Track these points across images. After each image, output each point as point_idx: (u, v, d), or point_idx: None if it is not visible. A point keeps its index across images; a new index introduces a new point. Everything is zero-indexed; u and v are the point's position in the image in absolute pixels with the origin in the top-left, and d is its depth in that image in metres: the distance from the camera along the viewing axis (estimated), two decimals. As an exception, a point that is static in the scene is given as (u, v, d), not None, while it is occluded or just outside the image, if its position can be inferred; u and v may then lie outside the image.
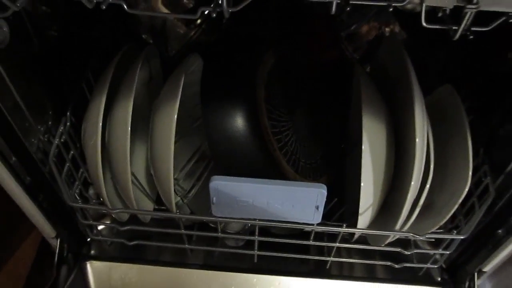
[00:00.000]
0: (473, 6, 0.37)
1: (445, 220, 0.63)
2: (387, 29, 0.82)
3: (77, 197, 0.69)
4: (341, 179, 0.76)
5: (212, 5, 0.41)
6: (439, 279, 0.77)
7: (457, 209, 0.68)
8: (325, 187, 0.53)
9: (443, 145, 0.65)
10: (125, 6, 0.41)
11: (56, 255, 0.73)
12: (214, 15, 0.40)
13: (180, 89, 0.57)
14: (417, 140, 0.55)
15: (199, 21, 0.71)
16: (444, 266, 0.78)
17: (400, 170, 0.61)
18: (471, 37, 0.41)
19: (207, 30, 0.74)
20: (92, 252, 0.78)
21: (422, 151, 0.56)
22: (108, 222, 0.77)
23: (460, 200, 0.61)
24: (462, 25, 0.39)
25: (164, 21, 0.73)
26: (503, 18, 0.40)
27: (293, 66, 0.72)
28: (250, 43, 0.67)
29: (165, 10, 0.72)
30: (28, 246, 0.80)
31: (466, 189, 0.60)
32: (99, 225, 0.73)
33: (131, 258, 0.77)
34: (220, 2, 0.40)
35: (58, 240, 0.72)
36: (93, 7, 0.41)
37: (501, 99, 0.66)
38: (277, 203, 0.55)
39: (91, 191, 0.76)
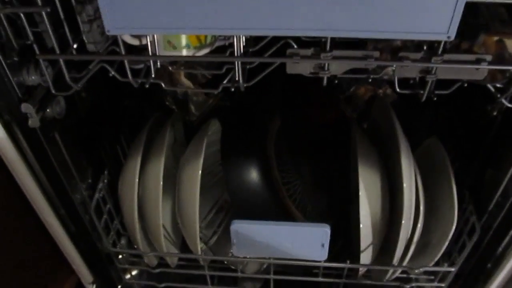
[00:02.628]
0: (432, 76, 0.48)
1: (438, 256, 0.71)
2: (380, 90, 0.93)
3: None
4: (346, 224, 0.85)
5: (231, 82, 0.52)
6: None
7: (452, 247, 0.76)
8: (328, 226, 0.62)
9: (433, 190, 0.75)
10: (163, 84, 0.53)
11: (92, 300, 0.82)
12: (232, 89, 0.52)
13: (204, 148, 0.68)
14: (404, 185, 0.64)
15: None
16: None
17: (395, 213, 0.70)
18: (435, 99, 0.51)
19: (223, 98, 0.86)
20: (123, 298, 0.86)
21: (410, 193, 0.65)
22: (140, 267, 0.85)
23: (449, 237, 0.69)
24: (426, 90, 0.50)
25: (186, 91, 0.85)
26: (459, 84, 0.51)
27: (297, 128, 0.84)
28: (259, 109, 0.79)
29: (187, 82, 0.85)
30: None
31: (453, 228, 0.68)
32: (133, 269, 0.81)
33: (158, 304, 0.85)
34: (237, 79, 0.52)
35: (94, 286, 0.81)
36: (137, 86, 0.53)
37: (480, 147, 0.75)
38: (288, 242, 0.63)
39: (122, 241, 0.85)
